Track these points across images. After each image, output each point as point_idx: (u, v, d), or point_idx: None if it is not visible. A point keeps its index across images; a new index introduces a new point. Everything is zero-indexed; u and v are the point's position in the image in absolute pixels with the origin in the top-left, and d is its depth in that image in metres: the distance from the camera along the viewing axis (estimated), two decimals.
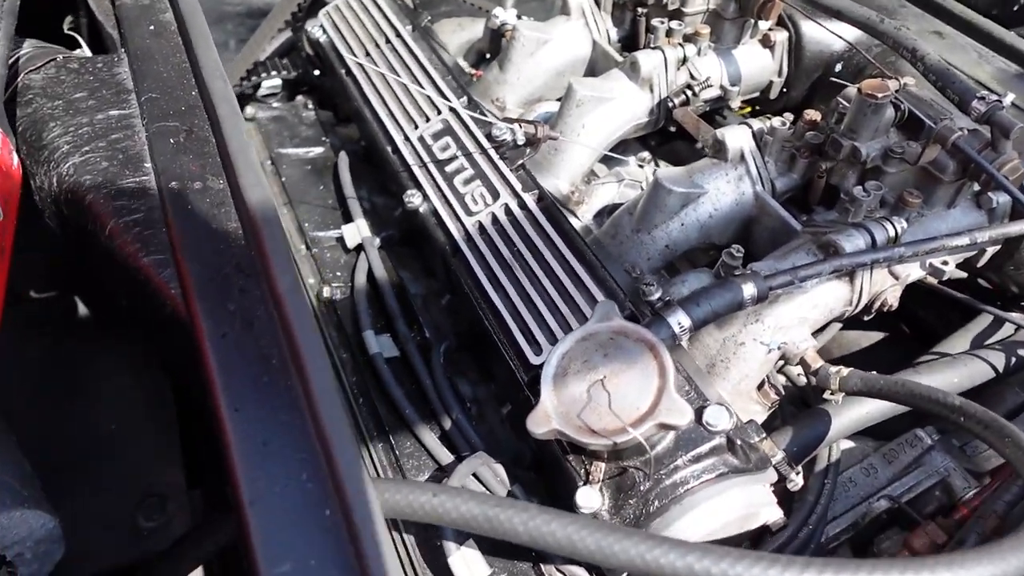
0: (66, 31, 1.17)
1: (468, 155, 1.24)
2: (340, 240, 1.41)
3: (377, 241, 1.38)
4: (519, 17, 1.88)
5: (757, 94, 1.66)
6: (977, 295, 1.33)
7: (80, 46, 1.13)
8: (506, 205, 1.16)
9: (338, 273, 1.35)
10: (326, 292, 1.31)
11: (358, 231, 1.38)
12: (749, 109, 1.75)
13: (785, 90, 1.64)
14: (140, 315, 0.85)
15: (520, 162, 1.21)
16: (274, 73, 1.76)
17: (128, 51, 1.03)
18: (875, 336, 1.57)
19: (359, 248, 1.37)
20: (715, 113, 1.82)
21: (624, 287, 1.09)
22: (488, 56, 1.86)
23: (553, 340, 1.01)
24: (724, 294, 0.94)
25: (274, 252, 0.72)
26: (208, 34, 1.00)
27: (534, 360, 1.00)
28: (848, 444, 1.31)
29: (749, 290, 0.96)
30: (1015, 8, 1.98)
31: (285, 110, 1.72)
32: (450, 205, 1.20)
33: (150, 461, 1.07)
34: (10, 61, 0.99)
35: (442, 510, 0.66)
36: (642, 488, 0.87)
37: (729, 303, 0.95)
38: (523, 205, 1.15)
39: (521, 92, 1.65)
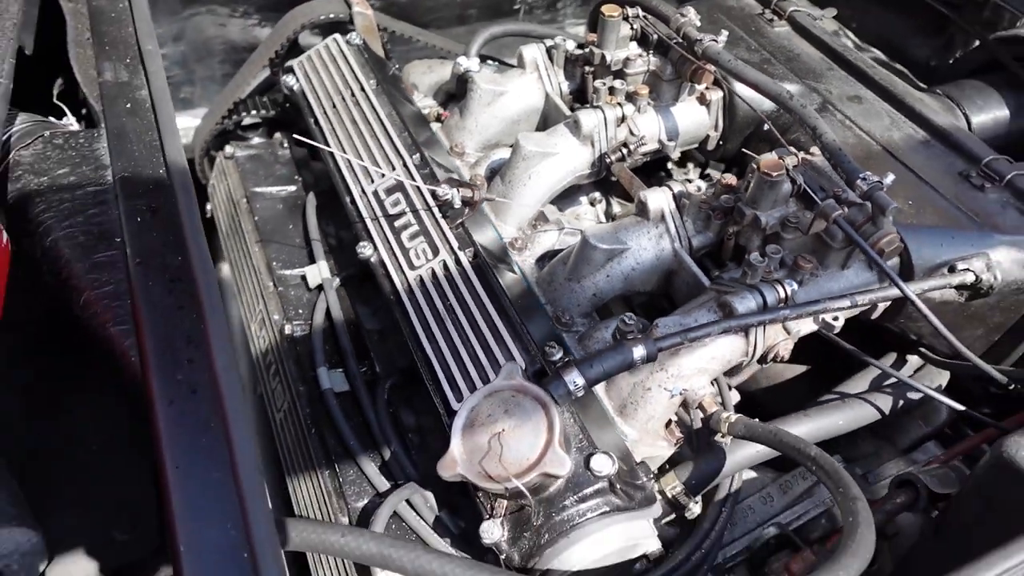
0: (55, 100, 1.32)
1: (415, 211, 1.39)
2: (304, 278, 1.56)
3: (336, 281, 1.53)
4: (483, 60, 2.02)
5: (696, 145, 1.80)
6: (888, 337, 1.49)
7: (65, 114, 1.28)
8: (444, 262, 1.31)
9: (300, 311, 1.51)
10: (287, 329, 1.46)
11: (319, 272, 1.53)
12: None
13: (722, 143, 1.78)
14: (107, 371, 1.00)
15: (460, 220, 1.36)
16: (254, 112, 1.90)
17: (106, 128, 1.17)
18: (799, 369, 1.72)
19: (320, 288, 1.52)
20: (657, 165, 1.96)
21: (541, 341, 1.24)
22: (455, 96, 2.00)
23: (473, 388, 1.16)
24: (615, 356, 1.09)
25: (215, 332, 0.87)
26: (173, 116, 1.15)
27: (454, 406, 1.15)
28: (751, 475, 1.46)
29: (639, 352, 1.11)
30: (951, 61, 2.11)
31: (262, 148, 1.87)
32: (396, 258, 1.35)
33: (125, 478, 1.22)
34: (3, 138, 1.14)
35: (347, 548, 0.82)
36: (536, 523, 1.03)
37: (620, 364, 1.09)
38: (459, 262, 1.30)
39: (479, 138, 1.79)
